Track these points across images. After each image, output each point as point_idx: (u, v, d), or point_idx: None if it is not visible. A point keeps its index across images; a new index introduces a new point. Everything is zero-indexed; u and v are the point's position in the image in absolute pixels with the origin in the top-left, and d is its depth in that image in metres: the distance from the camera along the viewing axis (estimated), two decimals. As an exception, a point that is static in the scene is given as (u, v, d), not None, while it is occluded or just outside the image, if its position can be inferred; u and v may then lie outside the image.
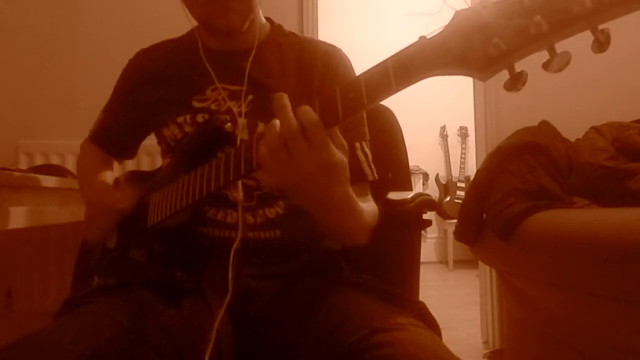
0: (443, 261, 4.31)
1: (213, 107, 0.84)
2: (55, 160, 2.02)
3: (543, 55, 0.44)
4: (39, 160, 2.02)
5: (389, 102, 0.68)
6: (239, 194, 0.78)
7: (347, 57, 0.94)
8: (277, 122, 0.57)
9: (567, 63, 0.43)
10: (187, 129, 0.84)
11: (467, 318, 2.48)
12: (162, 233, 0.78)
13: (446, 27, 0.49)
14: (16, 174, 1.11)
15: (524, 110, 2.03)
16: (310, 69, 0.89)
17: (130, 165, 1.43)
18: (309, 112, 0.56)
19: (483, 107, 2.23)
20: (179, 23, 0.96)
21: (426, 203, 0.97)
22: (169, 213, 0.74)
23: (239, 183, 0.78)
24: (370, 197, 0.84)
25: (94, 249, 0.90)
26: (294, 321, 0.71)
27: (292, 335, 0.69)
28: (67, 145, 2.01)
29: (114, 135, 0.99)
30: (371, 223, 0.75)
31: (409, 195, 0.97)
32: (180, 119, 0.85)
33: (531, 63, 0.48)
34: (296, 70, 0.89)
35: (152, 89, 0.91)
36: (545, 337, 1.35)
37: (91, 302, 0.68)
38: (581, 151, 1.44)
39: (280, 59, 0.90)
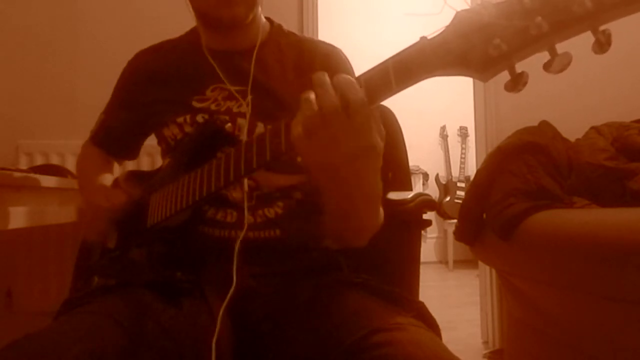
0: (443, 261, 4.31)
1: (213, 107, 0.84)
2: (55, 160, 2.02)
3: (543, 56, 0.44)
4: (39, 160, 2.02)
5: (389, 102, 0.68)
6: (243, 191, 0.78)
7: (346, 58, 0.94)
8: (312, 96, 0.53)
9: (568, 64, 0.43)
10: (187, 129, 0.84)
11: (467, 318, 2.48)
12: (162, 233, 0.78)
13: (447, 27, 0.49)
14: (16, 174, 1.12)
15: (524, 110, 2.03)
16: (310, 69, 0.89)
17: (130, 165, 1.43)
18: (353, 86, 0.51)
19: (483, 107, 2.23)
20: (179, 23, 0.96)
21: (426, 203, 0.97)
22: (169, 213, 0.74)
23: (245, 180, 0.78)
24: None
25: (94, 249, 0.90)
26: (293, 321, 0.70)
27: (292, 335, 0.69)
28: (67, 145, 2.01)
29: (114, 135, 0.99)
30: (381, 223, 0.75)
31: (409, 195, 0.97)
32: (180, 119, 0.85)
33: (531, 63, 0.48)
34: (295, 70, 0.89)
35: (152, 89, 0.91)
36: (545, 337, 1.35)
37: (91, 302, 0.68)
38: (581, 151, 1.44)
39: (279, 59, 0.90)
